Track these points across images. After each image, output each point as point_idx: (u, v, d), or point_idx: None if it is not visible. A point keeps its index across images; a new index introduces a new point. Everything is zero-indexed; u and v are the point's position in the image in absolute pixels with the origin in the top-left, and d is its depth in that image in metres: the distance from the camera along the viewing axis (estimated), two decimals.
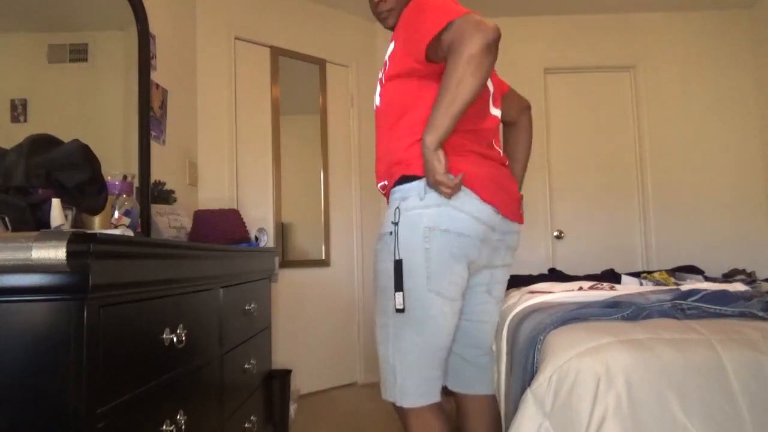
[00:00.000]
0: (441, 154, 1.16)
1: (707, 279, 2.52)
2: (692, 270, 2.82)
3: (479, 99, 1.29)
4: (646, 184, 3.75)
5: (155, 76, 2.36)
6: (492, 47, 1.10)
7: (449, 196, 1.20)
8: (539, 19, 3.83)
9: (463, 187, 1.23)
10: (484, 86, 1.21)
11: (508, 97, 1.58)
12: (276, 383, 2.34)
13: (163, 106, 2.47)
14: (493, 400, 1.49)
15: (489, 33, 1.08)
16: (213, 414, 1.52)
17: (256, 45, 3.26)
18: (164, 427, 1.14)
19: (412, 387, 1.26)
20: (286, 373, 2.42)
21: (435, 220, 1.21)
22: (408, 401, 1.26)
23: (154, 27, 2.31)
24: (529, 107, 1.61)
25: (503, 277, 1.46)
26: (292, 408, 2.57)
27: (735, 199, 3.71)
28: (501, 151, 1.44)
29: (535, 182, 3.78)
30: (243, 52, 3.20)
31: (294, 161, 3.40)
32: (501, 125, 1.55)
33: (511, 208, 1.35)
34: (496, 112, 1.42)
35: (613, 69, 3.85)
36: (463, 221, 1.22)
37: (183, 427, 1.22)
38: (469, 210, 1.23)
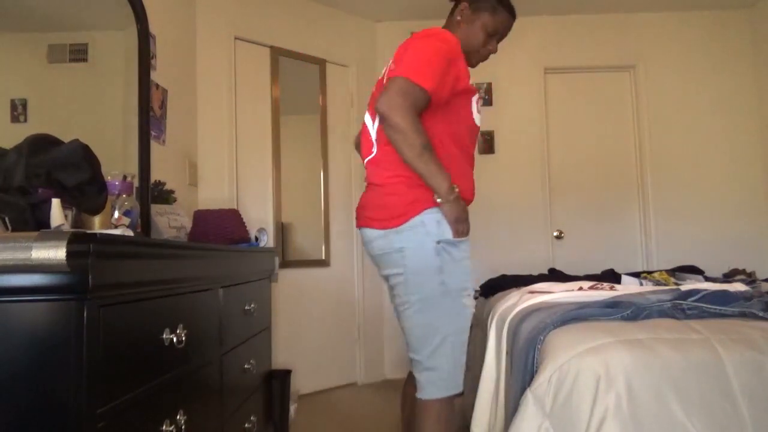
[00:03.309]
0: None
1: (707, 279, 2.52)
2: (692, 270, 2.81)
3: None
4: (646, 183, 3.75)
5: (155, 76, 2.36)
6: None
7: None
8: (539, 19, 3.83)
9: None
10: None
11: None
12: (276, 383, 2.34)
13: (163, 106, 2.47)
14: (420, 404, 1.48)
15: None
16: (213, 414, 1.52)
17: (256, 45, 3.26)
18: (164, 427, 1.14)
19: None
20: (286, 373, 2.42)
21: None
22: None
23: (154, 27, 2.31)
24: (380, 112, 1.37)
25: (393, 283, 1.51)
26: (292, 408, 2.57)
27: (735, 199, 3.70)
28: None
29: (535, 182, 3.78)
30: (243, 52, 3.19)
31: (294, 161, 3.39)
32: None
33: (360, 218, 1.56)
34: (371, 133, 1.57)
35: (613, 69, 3.85)
36: None
37: (183, 427, 1.22)
38: None
